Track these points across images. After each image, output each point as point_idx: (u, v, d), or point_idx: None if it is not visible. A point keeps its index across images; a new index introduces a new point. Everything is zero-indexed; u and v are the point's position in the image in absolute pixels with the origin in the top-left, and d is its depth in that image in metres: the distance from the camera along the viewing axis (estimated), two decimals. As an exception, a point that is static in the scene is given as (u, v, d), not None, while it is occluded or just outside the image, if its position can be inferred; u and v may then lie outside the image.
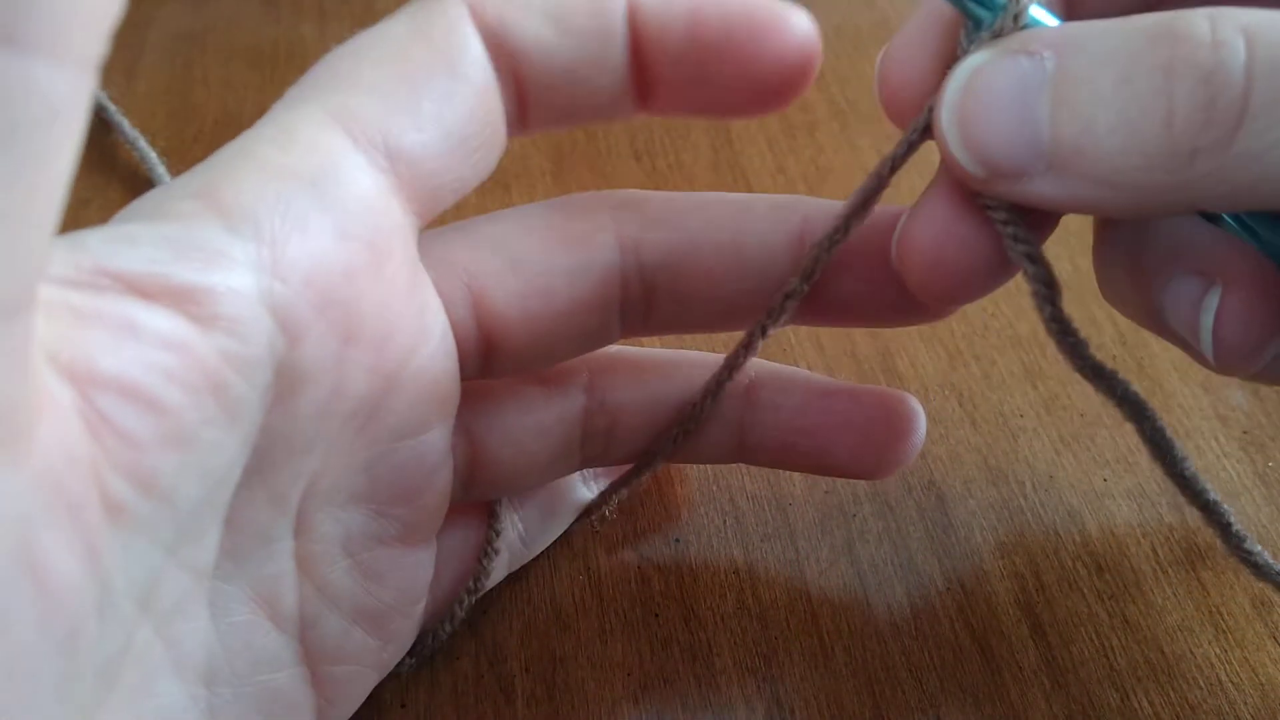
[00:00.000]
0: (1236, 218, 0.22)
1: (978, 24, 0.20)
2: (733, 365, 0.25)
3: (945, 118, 0.20)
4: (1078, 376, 0.22)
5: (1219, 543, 0.25)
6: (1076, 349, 0.21)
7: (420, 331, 0.21)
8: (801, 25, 0.22)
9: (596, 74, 0.22)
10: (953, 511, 0.30)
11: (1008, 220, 0.20)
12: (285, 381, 0.19)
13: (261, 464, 0.19)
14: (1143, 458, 0.31)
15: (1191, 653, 0.27)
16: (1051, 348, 0.33)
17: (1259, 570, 0.26)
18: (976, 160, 0.20)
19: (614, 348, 0.27)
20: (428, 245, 0.22)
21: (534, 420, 0.25)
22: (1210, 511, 0.24)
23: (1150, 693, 0.26)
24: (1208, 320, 0.21)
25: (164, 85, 0.43)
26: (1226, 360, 0.21)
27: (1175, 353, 0.33)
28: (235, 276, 0.18)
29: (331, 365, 0.19)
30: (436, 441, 0.23)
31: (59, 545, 0.15)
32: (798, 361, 0.33)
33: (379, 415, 0.21)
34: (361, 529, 0.22)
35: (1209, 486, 0.24)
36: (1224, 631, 0.27)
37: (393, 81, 0.21)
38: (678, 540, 0.29)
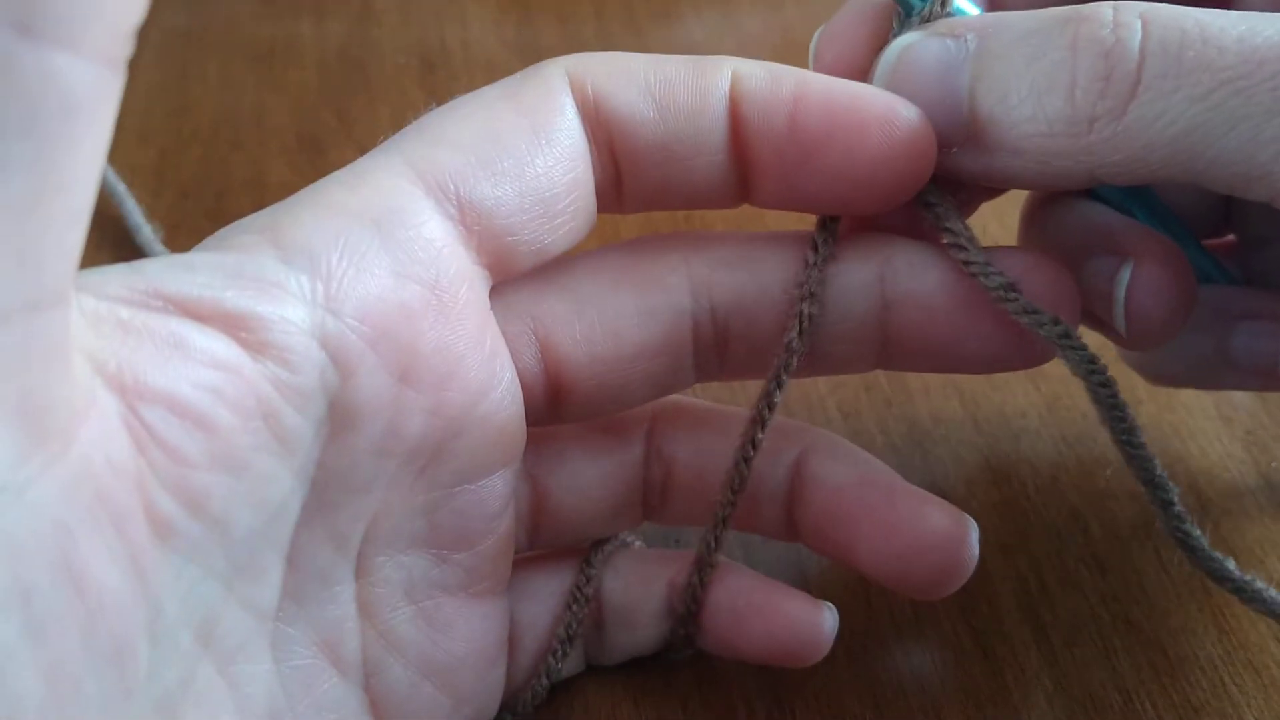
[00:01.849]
0: (1127, 200, 0.24)
1: (908, 11, 0.23)
2: (755, 428, 0.24)
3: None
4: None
5: (1158, 522, 0.25)
6: (1006, 287, 0.22)
7: (487, 377, 0.21)
8: (908, 118, 0.21)
9: (693, 155, 0.22)
10: (954, 512, 0.29)
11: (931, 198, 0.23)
12: (340, 416, 0.19)
13: (321, 501, 0.20)
14: (1145, 458, 0.30)
15: (1195, 654, 0.27)
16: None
17: (1194, 554, 0.25)
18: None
19: (678, 397, 0.26)
20: (495, 289, 0.22)
21: (598, 467, 0.25)
22: (1153, 487, 0.24)
23: (1153, 695, 0.26)
24: (1120, 293, 0.23)
25: (161, 83, 0.43)
26: (1139, 330, 0.23)
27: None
28: (287, 307, 0.18)
29: (388, 403, 0.19)
30: (499, 487, 0.22)
31: (100, 553, 0.15)
32: (808, 396, 0.33)
33: (441, 458, 0.21)
34: (424, 575, 0.22)
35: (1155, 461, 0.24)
36: (1227, 633, 0.27)
37: (475, 136, 0.21)
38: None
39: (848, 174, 0.22)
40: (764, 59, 0.30)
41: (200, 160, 0.39)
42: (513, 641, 0.24)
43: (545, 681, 0.25)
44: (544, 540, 0.25)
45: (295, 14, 0.46)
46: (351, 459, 0.19)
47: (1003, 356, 0.23)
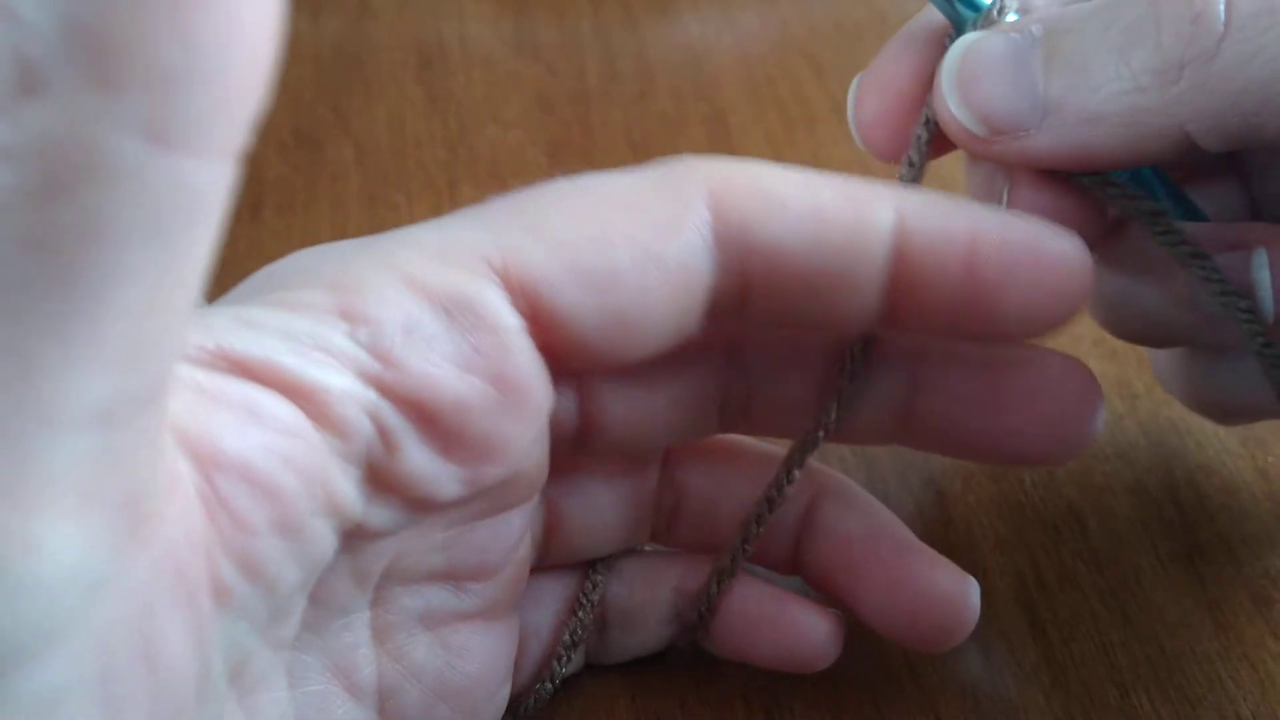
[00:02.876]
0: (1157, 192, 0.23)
1: (961, 26, 0.22)
2: (776, 489, 0.24)
3: (945, 85, 0.22)
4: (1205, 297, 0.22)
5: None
6: (1197, 254, 0.21)
7: (530, 448, 0.21)
8: (1079, 255, 0.20)
9: (842, 293, 0.20)
10: (952, 508, 0.30)
11: (1090, 178, 0.22)
12: (379, 481, 0.19)
13: (348, 548, 0.19)
14: (1143, 453, 0.31)
15: (1191, 649, 0.27)
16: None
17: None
18: (978, 119, 0.21)
19: None
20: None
21: (614, 492, 0.24)
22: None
23: (1150, 690, 0.26)
24: (1264, 276, 0.22)
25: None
26: None
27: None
28: (348, 381, 0.18)
29: (428, 476, 0.19)
30: (517, 520, 0.22)
31: (174, 629, 0.16)
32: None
33: (467, 507, 0.21)
34: (442, 604, 0.22)
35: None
36: (1224, 628, 0.27)
37: (578, 236, 0.19)
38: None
39: (1016, 314, 0.20)
40: (761, 55, 0.30)
41: (197, 156, 0.39)
42: (519, 648, 0.24)
43: (549, 685, 0.25)
44: (552, 558, 0.25)
45: (291, 9, 0.45)
46: (384, 516, 0.19)
47: (1027, 453, 0.23)
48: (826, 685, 0.26)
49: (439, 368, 0.19)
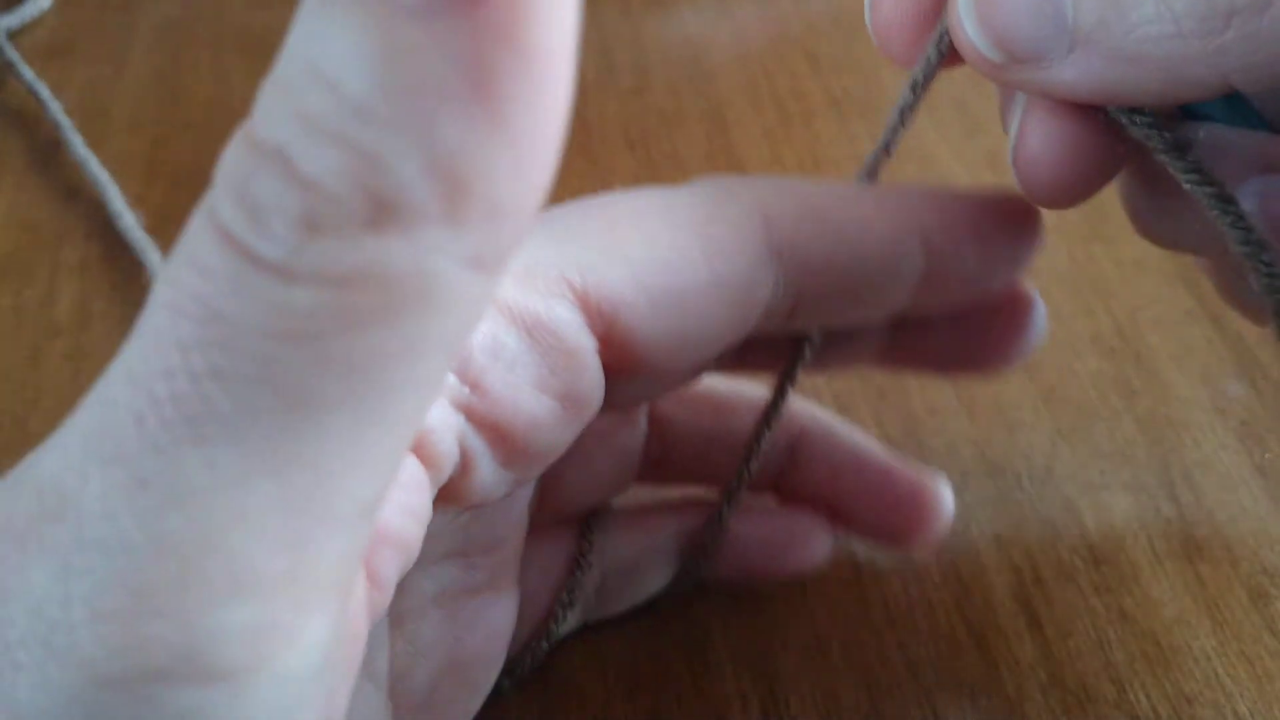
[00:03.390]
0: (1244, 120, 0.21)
1: None
2: (769, 420, 0.25)
3: (963, 2, 0.19)
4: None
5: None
6: (1221, 197, 0.20)
7: (564, 445, 0.21)
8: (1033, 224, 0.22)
9: (882, 298, 0.22)
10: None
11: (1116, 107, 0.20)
12: (447, 497, 0.19)
13: None
14: (1140, 450, 0.31)
15: (1188, 645, 0.27)
16: (1049, 340, 0.33)
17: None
18: (994, 43, 0.19)
19: None
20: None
21: (605, 446, 0.25)
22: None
23: (1147, 686, 0.26)
24: None
25: (154, 74, 0.42)
26: None
27: (1173, 344, 0.33)
28: (447, 413, 0.18)
29: (490, 486, 0.20)
30: (526, 494, 0.23)
31: (345, 694, 0.16)
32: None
33: None
34: (453, 582, 0.22)
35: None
36: (1221, 624, 0.27)
37: (649, 259, 0.20)
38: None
39: (996, 276, 0.23)
40: (758, 50, 0.30)
41: (192, 150, 0.39)
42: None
43: (545, 645, 0.25)
44: (545, 517, 0.25)
45: (287, 3, 0.45)
46: (437, 521, 0.19)
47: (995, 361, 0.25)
48: (823, 680, 0.26)
49: (520, 391, 0.19)
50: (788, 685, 0.26)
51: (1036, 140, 0.20)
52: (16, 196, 0.37)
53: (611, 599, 0.26)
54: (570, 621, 0.26)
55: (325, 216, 0.12)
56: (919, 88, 0.22)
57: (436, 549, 0.21)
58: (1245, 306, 0.22)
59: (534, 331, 0.19)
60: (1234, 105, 0.22)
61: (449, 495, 0.19)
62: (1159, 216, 0.23)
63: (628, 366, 0.20)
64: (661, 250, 0.20)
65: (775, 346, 0.24)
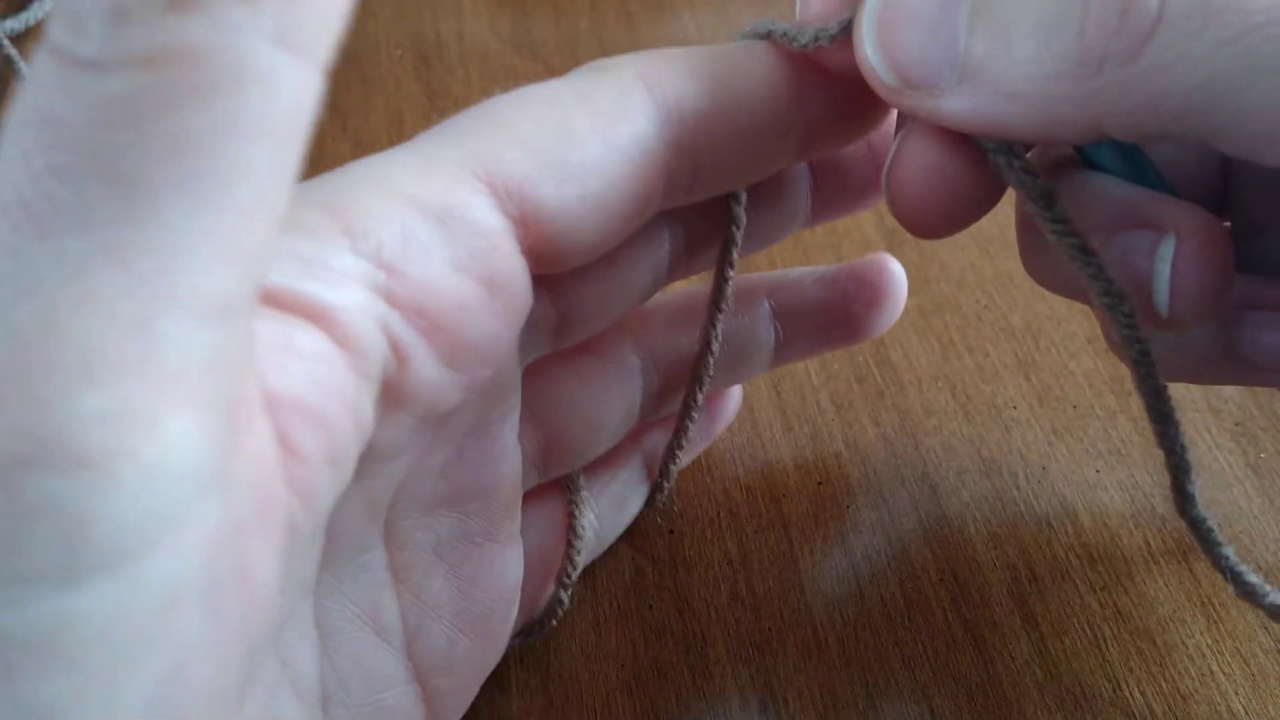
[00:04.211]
0: (1126, 168, 0.22)
1: None
2: (717, 306, 0.26)
3: (865, 24, 0.20)
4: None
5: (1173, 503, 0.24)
6: (1083, 250, 0.21)
7: (509, 349, 0.21)
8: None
9: (772, 142, 0.22)
10: (946, 503, 0.30)
11: (996, 145, 0.20)
12: (391, 398, 0.19)
13: (361, 474, 0.20)
14: (1135, 449, 0.31)
15: (1183, 643, 0.27)
16: (1044, 340, 0.33)
17: (1204, 538, 0.24)
18: (891, 69, 0.20)
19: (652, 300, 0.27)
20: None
21: (597, 392, 0.26)
22: (1173, 454, 0.23)
23: (1142, 683, 0.26)
24: (1164, 269, 0.21)
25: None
26: (1182, 309, 0.21)
27: (1168, 344, 0.33)
28: (361, 299, 0.18)
29: (432, 386, 0.20)
30: (504, 435, 0.23)
31: (262, 552, 0.16)
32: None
33: (456, 416, 0.22)
34: (451, 533, 0.23)
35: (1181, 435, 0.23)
36: (1216, 622, 0.27)
37: (545, 137, 0.20)
38: (671, 531, 0.29)
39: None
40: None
41: (195, 153, 0.39)
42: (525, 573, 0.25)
43: (564, 597, 0.26)
44: (554, 470, 0.26)
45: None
46: (393, 435, 0.20)
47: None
48: (821, 678, 0.26)
49: (439, 273, 0.19)
50: (785, 682, 0.26)
51: (910, 165, 0.21)
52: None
53: (605, 534, 0.28)
54: (577, 568, 0.27)
55: (130, 4, 0.13)
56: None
57: (422, 496, 0.22)
58: (1121, 353, 0.23)
59: (445, 219, 0.19)
60: (1134, 161, 0.22)
61: (396, 396, 0.19)
62: (1043, 261, 0.24)
63: (548, 247, 0.21)
64: (551, 127, 0.20)
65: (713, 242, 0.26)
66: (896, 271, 0.29)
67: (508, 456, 0.23)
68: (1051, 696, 0.26)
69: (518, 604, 0.25)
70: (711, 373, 0.27)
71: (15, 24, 0.43)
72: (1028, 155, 0.22)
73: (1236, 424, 0.31)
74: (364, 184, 0.20)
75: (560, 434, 0.25)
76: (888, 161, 0.22)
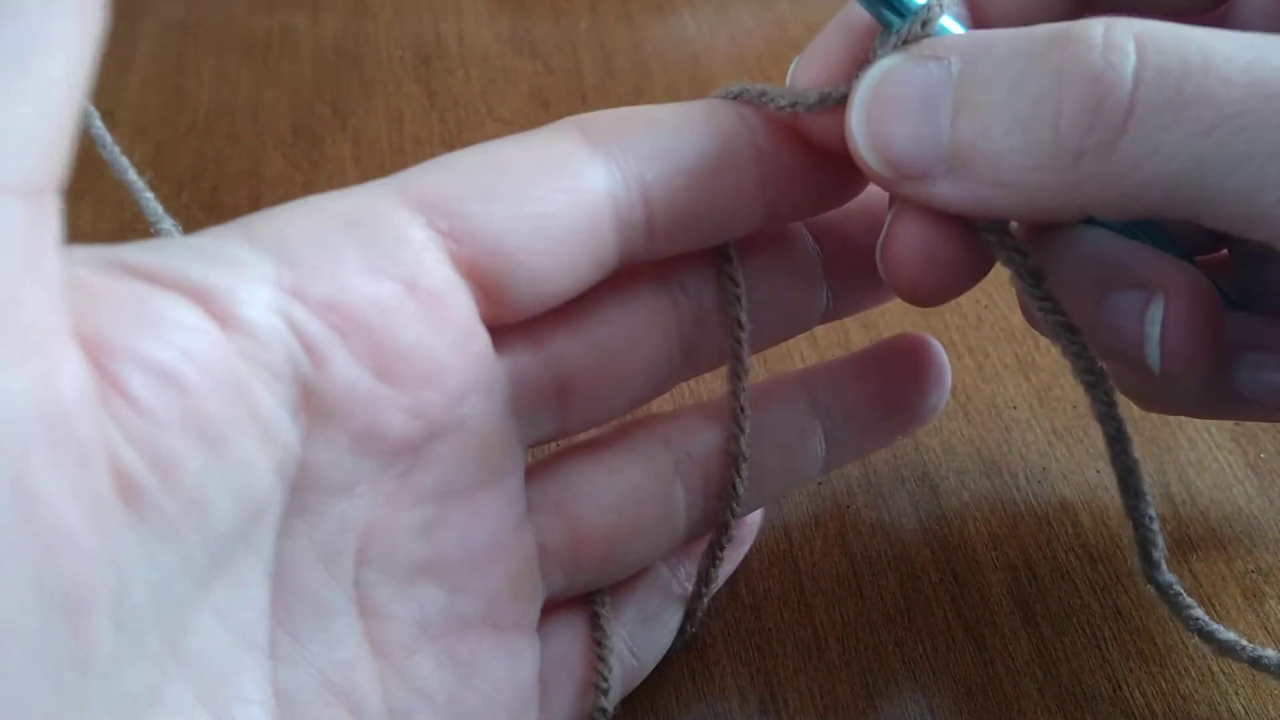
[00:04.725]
0: (1135, 226, 0.22)
1: (889, 29, 0.21)
2: (738, 412, 0.25)
3: (855, 118, 0.21)
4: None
5: (1139, 563, 0.24)
6: (1067, 328, 0.21)
7: (471, 380, 0.21)
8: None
9: (727, 194, 0.22)
10: (946, 503, 0.30)
11: (986, 224, 0.21)
12: (317, 407, 0.19)
13: (301, 506, 0.19)
14: (1135, 450, 0.31)
15: (1183, 643, 0.27)
16: (1044, 340, 0.33)
17: (1172, 602, 0.24)
18: (883, 161, 0.20)
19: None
20: None
21: (623, 480, 0.24)
22: (1141, 525, 0.23)
23: (1142, 683, 0.26)
24: (1154, 330, 0.21)
25: (156, 76, 0.43)
26: (1175, 369, 0.21)
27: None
28: (253, 284, 0.18)
29: (365, 398, 0.19)
30: (496, 502, 0.22)
31: (59, 487, 0.15)
32: (790, 353, 0.33)
33: (423, 464, 0.20)
34: (439, 608, 0.21)
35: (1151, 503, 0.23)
36: (1216, 621, 0.27)
37: (471, 163, 0.21)
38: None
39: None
40: (758, 53, 0.30)
41: (196, 153, 0.39)
42: (552, 684, 0.24)
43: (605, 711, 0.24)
44: (584, 575, 0.24)
45: (290, 7, 0.46)
46: (330, 457, 0.19)
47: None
48: (821, 678, 0.26)
49: (349, 270, 0.19)
50: (786, 683, 0.26)
51: (903, 242, 0.21)
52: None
53: (642, 653, 0.26)
54: (614, 690, 0.25)
55: None
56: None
57: (398, 557, 0.21)
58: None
59: (357, 224, 0.19)
60: (1143, 223, 0.23)
61: (320, 402, 0.18)
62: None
63: (486, 268, 0.20)
64: (481, 158, 0.21)
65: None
66: (937, 352, 0.27)
67: (507, 531, 0.22)
68: (1051, 697, 0.26)
69: (534, 708, 0.23)
70: (747, 463, 0.25)
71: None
72: None
73: (1236, 424, 0.31)
74: (278, 208, 0.20)
75: (587, 527, 0.24)
76: (881, 236, 0.22)
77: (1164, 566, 0.23)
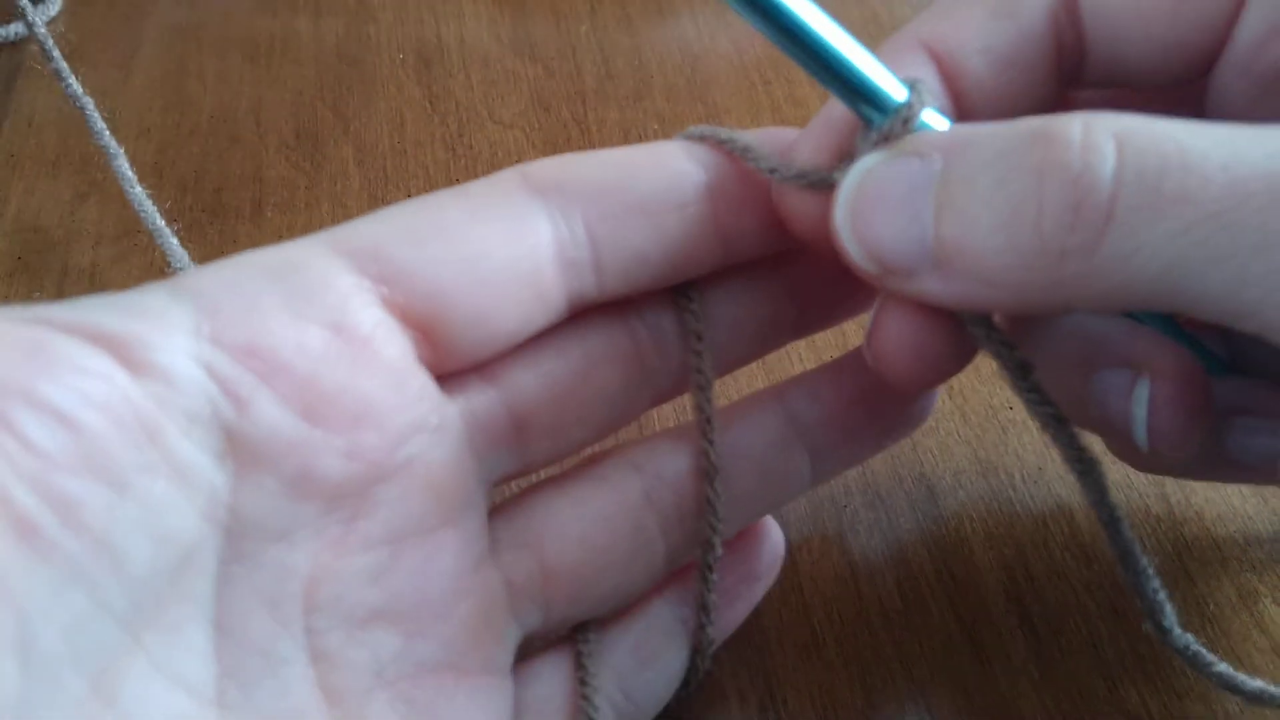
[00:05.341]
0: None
1: (869, 124, 0.21)
2: (704, 425, 0.24)
3: (840, 215, 0.21)
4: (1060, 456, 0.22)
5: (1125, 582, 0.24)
6: (1056, 419, 0.21)
7: (411, 421, 0.20)
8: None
9: (675, 237, 0.22)
10: (943, 503, 0.30)
11: (972, 318, 0.21)
12: (243, 452, 0.18)
13: (239, 553, 0.19)
14: (1131, 450, 0.31)
15: (1178, 643, 0.27)
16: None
17: (1193, 662, 0.24)
18: (869, 257, 0.20)
19: (643, 444, 0.25)
20: None
21: (590, 509, 0.23)
22: (1146, 597, 0.23)
23: (1138, 683, 0.26)
24: (1141, 411, 0.21)
25: (159, 79, 0.43)
26: (1161, 446, 0.22)
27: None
28: (168, 332, 0.18)
29: (294, 441, 0.19)
30: (454, 543, 0.21)
31: None
32: (789, 355, 0.33)
33: (370, 508, 0.20)
34: (394, 653, 0.21)
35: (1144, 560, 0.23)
36: (1210, 621, 0.27)
37: (402, 212, 0.21)
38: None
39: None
40: (757, 56, 0.30)
41: (198, 155, 0.40)
42: None
43: None
44: (559, 612, 0.23)
45: (292, 10, 0.46)
46: (263, 501, 0.19)
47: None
48: (820, 677, 0.26)
49: (270, 316, 0.19)
50: (785, 682, 0.26)
51: (890, 334, 0.21)
52: (25, 200, 0.37)
53: (637, 695, 0.25)
54: None
55: None
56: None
57: (349, 604, 0.20)
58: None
59: (280, 271, 0.19)
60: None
61: (245, 447, 0.18)
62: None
63: (423, 312, 0.20)
64: (413, 207, 0.21)
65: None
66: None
67: (466, 573, 0.21)
68: (1048, 695, 0.26)
69: None
70: (720, 475, 0.24)
71: (19, 26, 0.44)
72: None
73: (1232, 425, 0.31)
74: (210, 264, 0.19)
75: (556, 560, 0.23)
76: (868, 328, 0.22)
77: (1177, 630, 0.24)
